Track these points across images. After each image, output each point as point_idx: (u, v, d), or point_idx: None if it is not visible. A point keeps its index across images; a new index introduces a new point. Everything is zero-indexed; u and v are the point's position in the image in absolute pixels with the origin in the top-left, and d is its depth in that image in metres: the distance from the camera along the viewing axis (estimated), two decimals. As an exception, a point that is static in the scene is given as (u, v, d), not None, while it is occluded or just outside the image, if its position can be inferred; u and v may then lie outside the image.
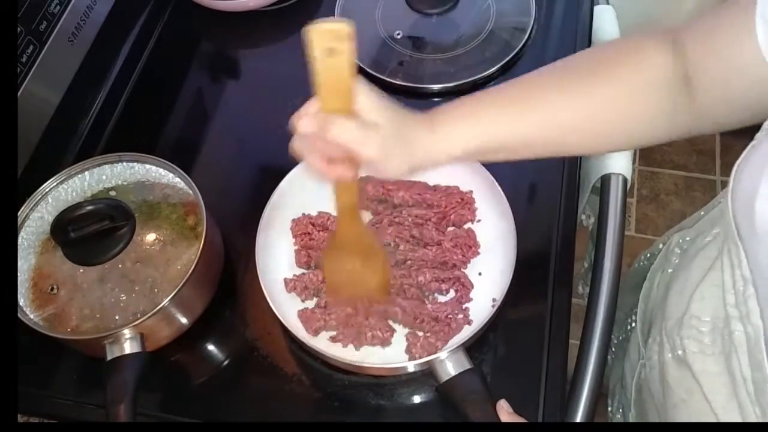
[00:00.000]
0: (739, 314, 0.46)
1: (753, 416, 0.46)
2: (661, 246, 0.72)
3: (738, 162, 0.44)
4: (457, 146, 0.52)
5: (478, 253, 0.69)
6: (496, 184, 0.71)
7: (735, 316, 0.47)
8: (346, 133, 0.47)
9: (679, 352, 0.55)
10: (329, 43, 0.42)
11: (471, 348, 0.64)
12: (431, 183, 0.74)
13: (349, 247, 0.61)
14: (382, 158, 0.49)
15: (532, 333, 0.67)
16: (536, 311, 0.68)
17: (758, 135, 0.44)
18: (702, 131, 0.52)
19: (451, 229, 0.71)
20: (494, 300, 0.66)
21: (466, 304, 0.67)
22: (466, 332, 0.64)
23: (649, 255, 0.76)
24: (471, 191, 0.72)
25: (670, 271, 0.66)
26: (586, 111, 0.52)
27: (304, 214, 0.73)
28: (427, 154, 0.52)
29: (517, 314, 0.63)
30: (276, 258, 0.71)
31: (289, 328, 0.65)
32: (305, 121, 0.49)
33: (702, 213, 0.65)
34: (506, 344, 0.67)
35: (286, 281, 0.69)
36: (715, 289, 0.50)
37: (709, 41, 0.48)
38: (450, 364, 0.60)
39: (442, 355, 0.61)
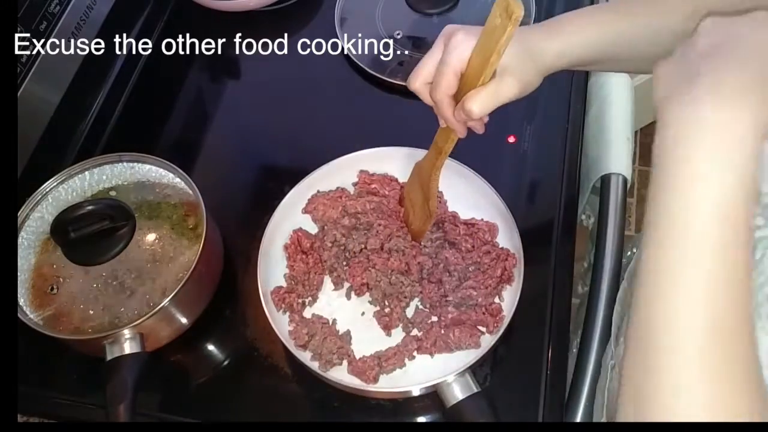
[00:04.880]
0: None
1: None
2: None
3: None
4: (573, 49, 0.54)
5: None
6: (505, 206, 0.70)
7: None
8: (489, 104, 0.51)
9: None
10: (506, 10, 0.46)
11: (471, 348, 0.64)
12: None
13: (422, 181, 0.66)
14: (523, 89, 0.53)
15: (533, 333, 0.67)
16: (536, 311, 0.68)
17: None
18: None
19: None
20: (502, 317, 0.65)
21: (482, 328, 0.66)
22: (473, 355, 0.63)
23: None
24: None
25: None
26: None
27: (296, 231, 0.72)
28: (552, 57, 0.54)
29: (517, 314, 0.63)
30: (276, 272, 0.70)
31: (285, 343, 0.64)
32: (443, 99, 0.54)
33: None
34: (506, 344, 0.67)
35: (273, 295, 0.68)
36: None
37: None
38: (457, 388, 0.60)
39: (449, 378, 0.60)
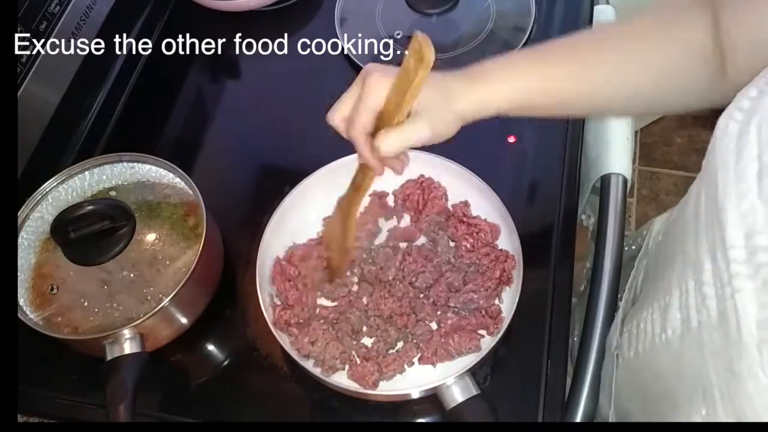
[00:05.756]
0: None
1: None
2: (644, 233, 0.72)
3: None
4: (500, 97, 0.54)
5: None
6: (504, 207, 0.69)
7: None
8: (396, 145, 0.52)
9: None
10: (424, 53, 0.47)
11: (471, 348, 0.64)
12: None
13: (341, 217, 0.65)
14: (435, 134, 0.52)
15: (533, 333, 0.67)
16: (536, 311, 0.68)
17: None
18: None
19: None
20: (502, 318, 0.65)
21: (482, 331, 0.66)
22: (472, 358, 0.63)
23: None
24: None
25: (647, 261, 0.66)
26: (626, 71, 0.53)
27: (277, 261, 0.71)
28: (473, 105, 0.54)
29: (517, 314, 0.63)
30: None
31: (287, 349, 0.64)
32: (357, 134, 0.54)
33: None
34: (506, 344, 0.67)
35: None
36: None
37: (743, 16, 0.48)
38: (457, 390, 0.60)
39: (449, 381, 0.60)
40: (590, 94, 0.55)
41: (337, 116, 0.55)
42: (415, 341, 0.66)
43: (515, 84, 0.54)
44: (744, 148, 0.40)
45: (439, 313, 0.67)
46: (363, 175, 0.59)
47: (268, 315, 0.65)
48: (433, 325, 0.66)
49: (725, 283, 0.40)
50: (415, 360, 0.65)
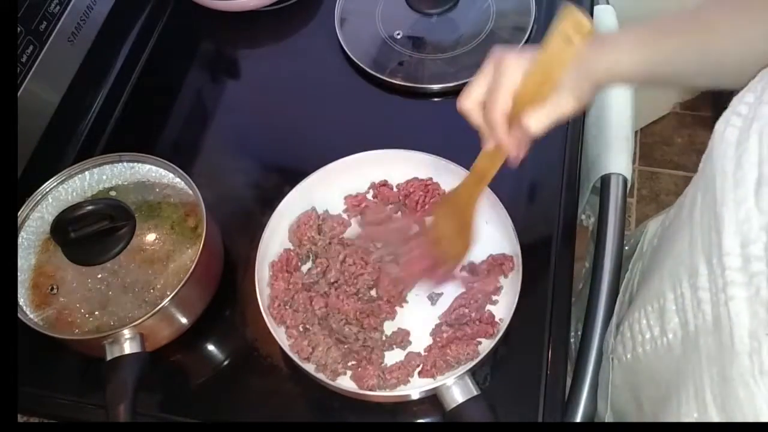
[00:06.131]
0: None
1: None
2: (639, 234, 0.72)
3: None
4: (626, 66, 0.53)
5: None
6: (503, 207, 0.69)
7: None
8: (547, 121, 0.52)
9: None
10: (571, 32, 0.46)
11: (471, 348, 0.64)
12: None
13: (457, 209, 0.63)
14: (579, 105, 0.53)
15: (532, 333, 0.67)
16: (536, 311, 0.68)
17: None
18: None
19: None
20: (500, 320, 0.66)
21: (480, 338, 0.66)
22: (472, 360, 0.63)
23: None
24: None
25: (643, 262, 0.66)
26: (744, 38, 0.51)
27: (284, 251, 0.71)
28: (605, 72, 0.53)
29: (517, 315, 0.63)
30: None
31: (287, 351, 0.64)
32: (500, 128, 0.53)
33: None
34: (506, 344, 0.67)
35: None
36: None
37: None
38: (457, 391, 0.59)
39: (449, 381, 0.60)
40: (706, 64, 0.53)
41: (470, 101, 0.55)
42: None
43: (640, 54, 0.53)
44: (743, 156, 0.40)
45: (432, 327, 0.66)
46: (490, 161, 0.57)
47: (267, 315, 0.65)
48: (429, 341, 0.66)
49: (720, 289, 0.41)
50: (417, 375, 0.64)
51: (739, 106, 0.42)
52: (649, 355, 0.53)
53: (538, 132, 0.52)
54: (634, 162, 1.38)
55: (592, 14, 0.90)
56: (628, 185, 0.78)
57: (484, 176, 0.59)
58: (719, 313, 0.41)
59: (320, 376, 0.63)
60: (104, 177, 0.72)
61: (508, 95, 0.52)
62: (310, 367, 0.64)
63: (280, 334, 0.65)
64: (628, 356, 0.57)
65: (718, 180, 0.41)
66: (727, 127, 0.42)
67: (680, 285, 0.47)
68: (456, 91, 0.83)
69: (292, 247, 0.72)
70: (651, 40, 0.53)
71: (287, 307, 0.67)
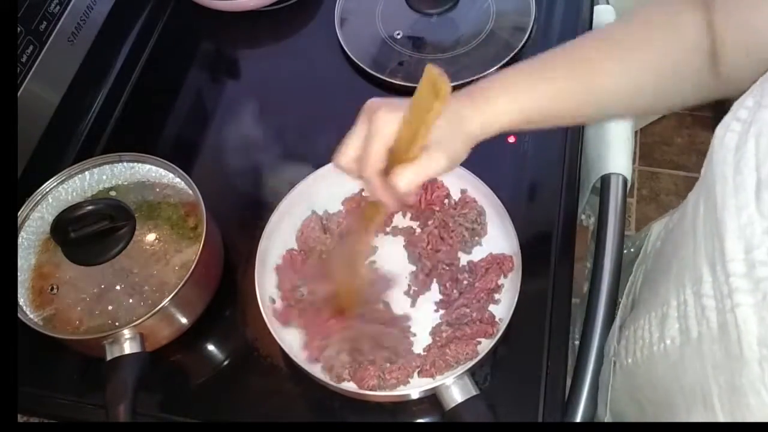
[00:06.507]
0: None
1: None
2: (643, 236, 0.72)
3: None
4: (502, 117, 0.53)
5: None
6: (503, 207, 0.69)
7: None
8: (415, 180, 0.50)
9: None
10: (431, 93, 0.45)
11: (471, 348, 0.64)
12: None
13: (347, 257, 0.64)
14: (452, 163, 0.51)
15: (532, 333, 0.67)
16: (536, 311, 0.68)
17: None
18: (727, 95, 0.51)
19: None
20: (500, 320, 0.66)
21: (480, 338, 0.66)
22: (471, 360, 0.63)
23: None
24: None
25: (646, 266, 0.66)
26: (626, 76, 0.53)
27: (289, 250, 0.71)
28: (479, 127, 0.53)
29: (516, 315, 0.63)
30: (275, 277, 0.70)
31: (287, 351, 0.64)
32: (371, 177, 0.51)
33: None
34: (506, 344, 0.67)
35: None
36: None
37: (733, 10, 0.48)
38: (456, 390, 0.59)
39: (448, 381, 0.60)
40: (585, 105, 0.55)
41: (345, 159, 0.52)
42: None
43: (514, 104, 0.53)
44: (742, 161, 0.40)
45: (432, 326, 0.66)
46: (374, 210, 0.57)
47: (267, 315, 0.65)
48: (429, 341, 0.66)
49: (725, 295, 0.40)
50: (417, 376, 0.64)
51: (739, 110, 0.42)
52: (646, 359, 0.53)
53: (407, 190, 0.50)
54: (634, 162, 1.38)
55: (591, 14, 0.90)
56: (628, 185, 0.78)
57: (370, 223, 0.58)
58: (725, 320, 0.40)
59: (324, 377, 0.63)
60: (104, 177, 0.72)
61: (381, 151, 0.50)
62: (315, 369, 0.64)
63: (280, 334, 0.65)
64: (629, 360, 0.57)
65: (718, 185, 0.41)
66: (727, 132, 0.42)
67: (683, 292, 0.46)
68: (456, 91, 0.83)
69: (295, 248, 0.72)
70: (529, 88, 0.53)
71: (294, 306, 0.67)
